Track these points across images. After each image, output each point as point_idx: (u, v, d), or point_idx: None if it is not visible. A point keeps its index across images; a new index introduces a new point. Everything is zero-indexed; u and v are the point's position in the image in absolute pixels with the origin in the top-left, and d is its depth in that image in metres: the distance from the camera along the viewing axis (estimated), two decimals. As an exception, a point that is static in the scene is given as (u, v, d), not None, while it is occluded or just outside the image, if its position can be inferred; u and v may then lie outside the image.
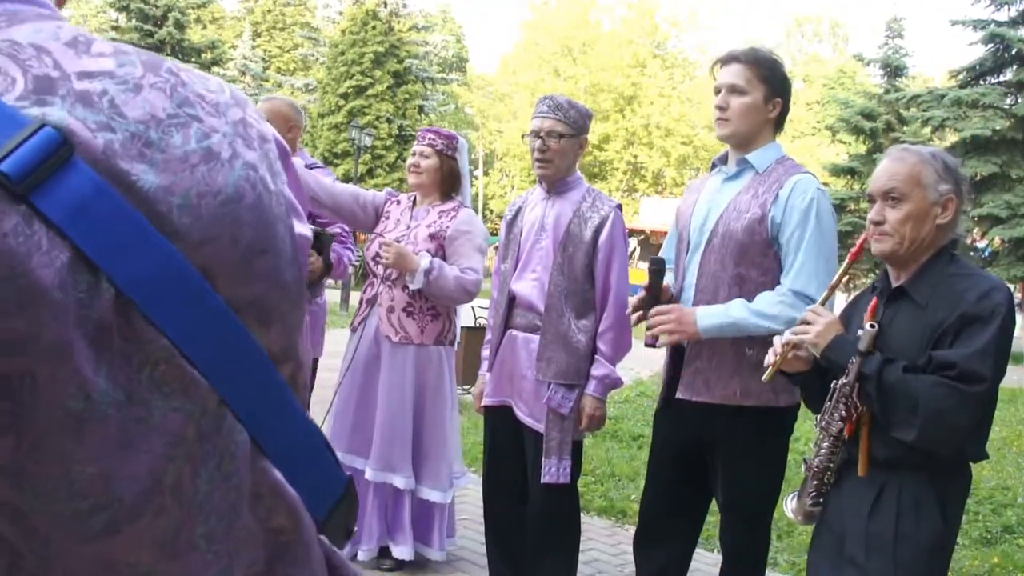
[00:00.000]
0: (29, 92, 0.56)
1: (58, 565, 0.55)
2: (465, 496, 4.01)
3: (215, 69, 30.16)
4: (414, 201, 3.34)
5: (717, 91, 2.38)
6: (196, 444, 0.58)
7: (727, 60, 2.37)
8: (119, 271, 0.55)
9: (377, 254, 3.16)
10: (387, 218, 3.30)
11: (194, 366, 0.58)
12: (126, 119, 0.58)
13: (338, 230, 3.47)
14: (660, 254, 2.51)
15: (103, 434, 0.54)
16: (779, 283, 2.28)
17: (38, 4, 0.64)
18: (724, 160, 2.48)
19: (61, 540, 0.54)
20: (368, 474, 3.16)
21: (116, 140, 0.57)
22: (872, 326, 1.80)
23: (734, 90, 2.33)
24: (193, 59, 28.59)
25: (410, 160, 3.32)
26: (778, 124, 2.40)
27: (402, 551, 3.18)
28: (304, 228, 0.67)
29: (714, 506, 2.55)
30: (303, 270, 0.66)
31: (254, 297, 0.62)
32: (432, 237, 3.17)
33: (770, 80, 2.34)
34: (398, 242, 3.13)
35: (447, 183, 3.29)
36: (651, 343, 2.41)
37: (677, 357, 2.43)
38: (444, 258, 3.16)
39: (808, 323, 1.91)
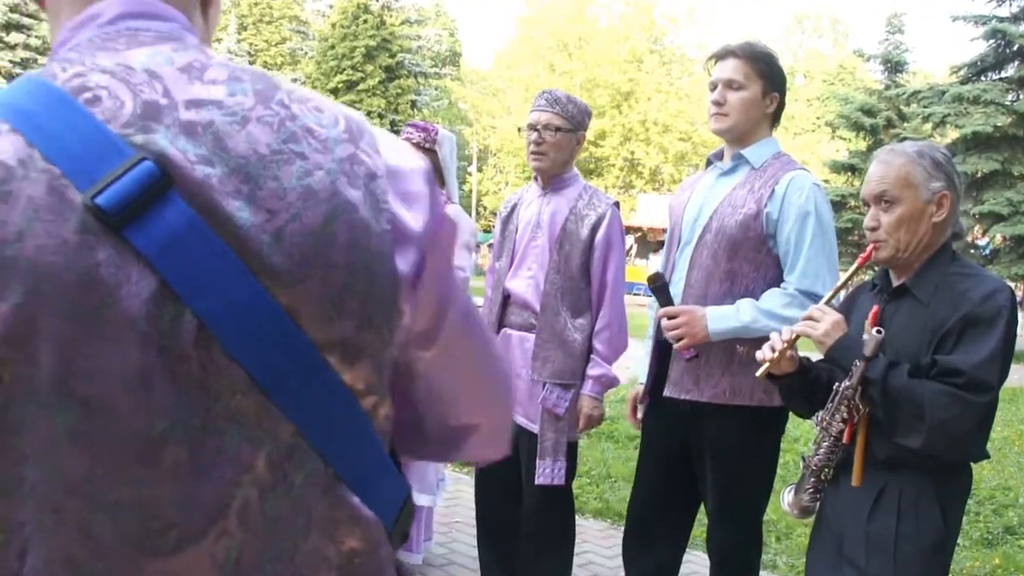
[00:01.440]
0: (136, 118, 0.61)
1: None
2: (458, 498, 3.93)
3: (204, 63, 29.77)
4: None
5: (713, 86, 2.36)
6: (267, 473, 0.62)
7: (723, 55, 2.36)
8: (203, 305, 0.59)
9: None
10: None
11: (271, 399, 0.62)
12: (228, 153, 0.62)
13: None
14: (661, 252, 2.50)
15: (176, 459, 0.59)
16: (771, 279, 2.29)
17: (164, 18, 0.68)
18: (719, 157, 2.47)
19: (127, 557, 0.60)
20: None
21: (215, 175, 0.61)
22: (878, 331, 1.76)
23: (731, 85, 2.32)
24: (181, 52, 28.19)
25: None
26: (775, 119, 2.40)
27: None
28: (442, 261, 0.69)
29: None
30: (416, 302, 0.68)
31: (343, 336, 0.64)
32: None
33: (767, 74, 2.33)
34: None
35: None
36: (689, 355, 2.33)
37: (662, 352, 2.41)
38: None
39: (814, 319, 1.88)
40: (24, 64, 29.94)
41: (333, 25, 31.02)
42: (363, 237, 0.65)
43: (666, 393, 2.35)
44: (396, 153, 0.72)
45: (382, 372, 0.69)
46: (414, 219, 0.68)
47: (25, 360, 0.58)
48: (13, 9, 29.42)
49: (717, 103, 2.35)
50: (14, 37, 29.42)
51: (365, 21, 30.02)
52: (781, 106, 2.39)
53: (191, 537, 0.61)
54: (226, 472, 0.61)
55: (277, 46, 41.24)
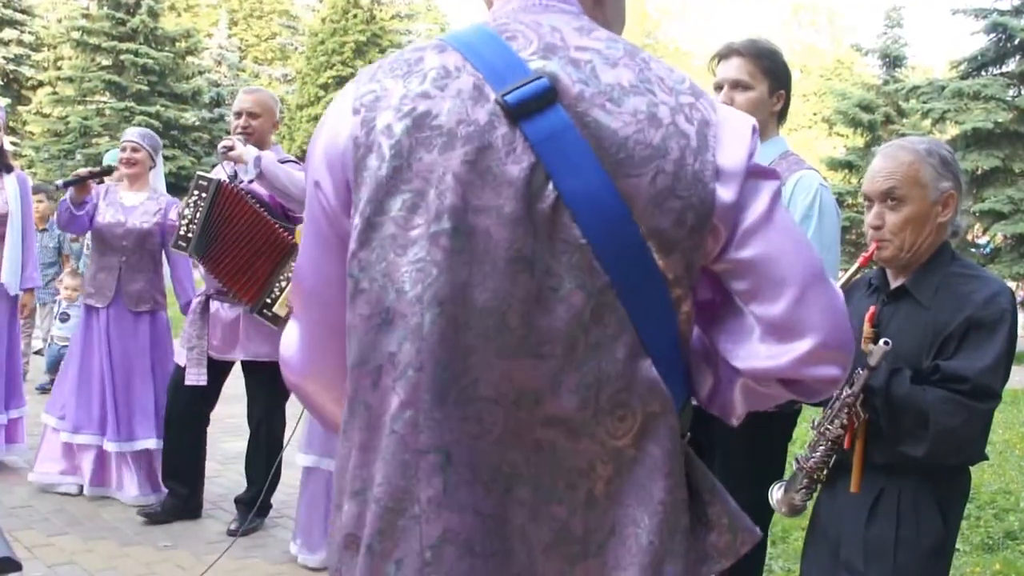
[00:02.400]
0: (538, 50, 0.90)
1: (477, 371, 0.85)
2: None
3: (189, 59, 29.33)
4: None
5: (718, 87, 2.30)
6: (589, 320, 0.86)
7: (727, 54, 2.30)
8: (565, 184, 0.85)
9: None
10: None
11: (598, 259, 0.86)
12: (599, 80, 0.89)
13: None
14: None
15: (526, 286, 0.85)
16: None
17: (569, 3, 0.97)
18: None
19: (484, 352, 0.85)
20: None
21: (587, 92, 0.88)
22: (886, 343, 1.70)
23: (737, 85, 2.27)
24: (167, 48, 27.76)
25: None
26: (781, 116, 2.35)
27: None
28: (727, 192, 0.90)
29: None
30: (729, 223, 0.90)
31: (661, 229, 0.88)
32: None
33: (773, 72, 2.29)
34: None
35: None
36: None
37: None
38: None
39: None
40: (18, 60, 29.49)
41: (323, 20, 30.66)
42: (690, 158, 0.88)
43: None
44: (727, 112, 0.95)
45: (691, 270, 0.90)
46: (734, 159, 0.91)
47: (436, 194, 0.86)
48: (6, 5, 28.97)
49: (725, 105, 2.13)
50: (8, 33, 29.00)
51: (355, 16, 29.68)
52: (787, 103, 2.34)
53: (527, 350, 0.85)
54: (559, 309, 0.86)
55: (267, 41, 40.84)
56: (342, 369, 0.94)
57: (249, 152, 3.26)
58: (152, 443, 3.87)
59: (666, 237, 0.87)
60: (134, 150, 3.98)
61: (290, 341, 1.02)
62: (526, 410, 0.86)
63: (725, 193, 0.89)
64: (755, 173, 0.92)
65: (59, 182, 3.91)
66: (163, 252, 3.97)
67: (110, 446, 3.86)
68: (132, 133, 4.10)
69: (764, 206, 0.91)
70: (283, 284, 3.36)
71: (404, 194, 0.87)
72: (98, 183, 4.03)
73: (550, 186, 0.85)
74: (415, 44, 0.98)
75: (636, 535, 0.88)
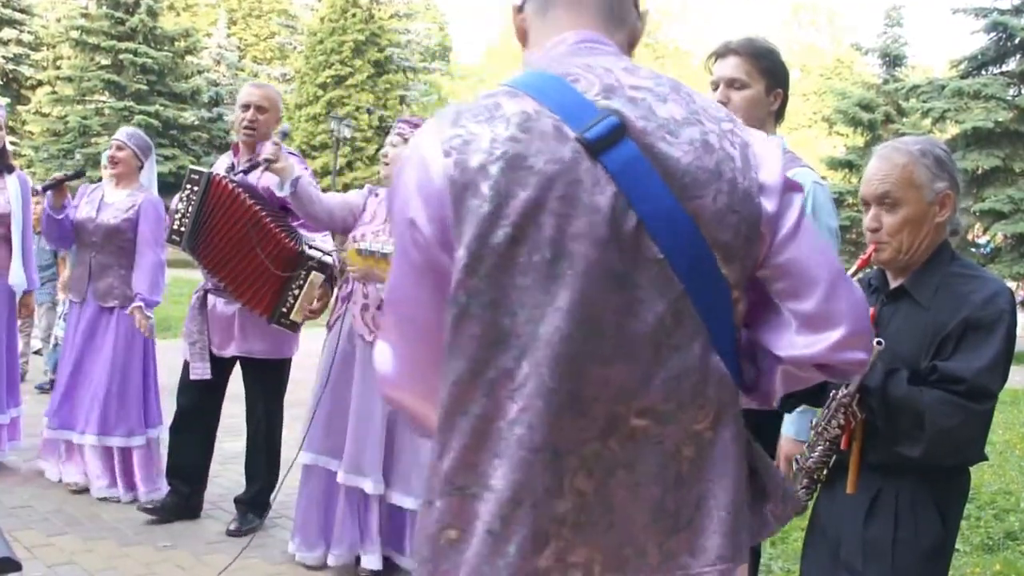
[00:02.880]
0: (600, 91, 1.04)
1: (582, 376, 1.00)
2: None
3: (188, 58, 29.33)
4: None
5: (715, 86, 2.31)
6: (670, 323, 1.01)
7: (723, 53, 2.32)
8: (643, 208, 1.00)
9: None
10: (363, 210, 3.26)
11: (675, 272, 1.01)
12: (656, 115, 1.03)
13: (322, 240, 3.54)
14: None
15: (619, 299, 1.00)
16: None
17: (605, 44, 1.14)
18: None
19: (583, 360, 0.99)
20: (340, 477, 3.10)
21: (649, 126, 1.02)
22: (879, 342, 1.70)
23: (734, 84, 2.28)
24: (166, 47, 27.76)
25: (382, 151, 3.25)
26: (779, 115, 2.37)
27: (370, 560, 3.09)
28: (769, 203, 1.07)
29: None
30: (773, 228, 1.07)
31: (724, 241, 1.03)
32: None
33: (771, 71, 2.30)
34: (375, 235, 3.09)
35: None
36: None
37: None
38: None
39: None
40: (17, 59, 29.48)
41: (322, 19, 30.63)
42: (740, 178, 1.04)
43: None
44: (758, 134, 1.12)
45: (744, 275, 1.06)
46: (772, 175, 1.07)
47: (535, 226, 0.98)
48: (6, 4, 28.96)
49: (720, 103, 2.27)
50: (7, 32, 28.99)
51: (354, 15, 29.66)
52: (785, 101, 2.34)
53: (622, 354, 1.00)
54: (647, 317, 1.01)
55: (266, 40, 40.84)
56: (430, 387, 1.07)
57: (292, 169, 3.17)
58: (91, 439, 3.84)
59: (728, 248, 1.04)
60: (118, 148, 3.98)
61: (385, 359, 1.13)
62: (623, 405, 1.01)
63: (768, 205, 1.06)
64: (788, 187, 1.09)
65: (38, 186, 3.92)
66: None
67: (46, 431, 3.96)
68: (120, 132, 4.10)
69: (796, 216, 1.08)
70: (296, 292, 3.37)
71: (505, 228, 0.99)
72: (90, 181, 4.06)
73: (631, 211, 1.00)
74: (485, 91, 1.10)
75: (716, 507, 1.05)
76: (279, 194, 3.20)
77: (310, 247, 3.41)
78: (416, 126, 3.19)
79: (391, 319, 1.13)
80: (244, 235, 3.35)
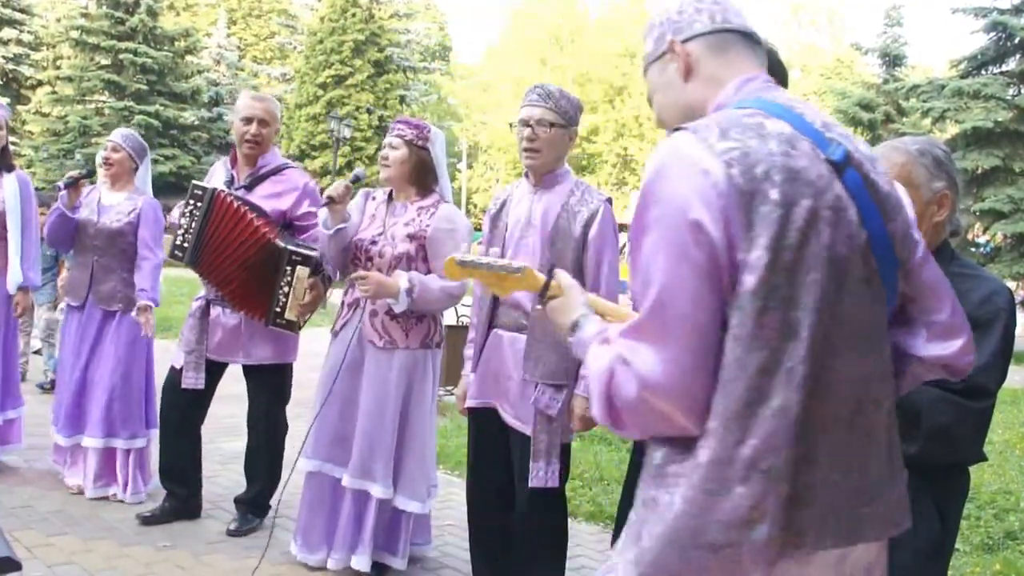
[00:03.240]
0: (821, 124, 1.24)
1: (841, 365, 1.19)
2: (450, 501, 3.85)
3: (188, 58, 29.34)
4: (390, 195, 3.22)
5: None
6: (880, 327, 1.25)
7: None
8: (868, 226, 1.21)
9: (356, 256, 3.14)
10: (362, 213, 3.23)
11: (882, 283, 1.23)
12: (860, 149, 1.25)
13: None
14: None
15: (866, 298, 1.20)
16: None
17: (767, 79, 1.35)
18: None
19: (849, 356, 1.19)
20: (345, 481, 3.08)
21: (860, 157, 1.24)
22: None
23: None
24: (166, 47, 27.78)
25: (381, 152, 3.22)
26: None
27: (360, 561, 3.08)
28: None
29: None
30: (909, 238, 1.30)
31: (904, 259, 1.27)
32: (411, 237, 3.07)
33: (770, 70, 2.03)
34: (374, 243, 3.09)
35: (417, 174, 3.15)
36: None
37: None
38: (425, 256, 3.05)
39: None
40: (17, 59, 29.50)
41: (321, 19, 30.62)
42: (906, 210, 1.29)
43: None
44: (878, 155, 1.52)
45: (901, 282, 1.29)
46: (911, 212, 1.31)
47: (815, 232, 1.15)
48: (6, 4, 28.98)
49: None
50: (7, 32, 29.01)
51: (354, 15, 29.65)
52: None
53: (870, 347, 1.22)
54: (879, 316, 1.23)
55: (266, 40, 40.86)
56: (705, 382, 1.16)
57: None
58: (98, 442, 3.84)
59: (904, 265, 1.27)
60: (113, 150, 3.97)
61: (647, 361, 1.16)
62: (863, 391, 1.20)
63: (915, 235, 1.30)
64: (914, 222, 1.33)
65: (60, 183, 3.91)
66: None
67: (59, 439, 3.94)
68: (115, 134, 4.09)
69: (923, 244, 1.31)
70: (285, 290, 3.35)
71: (794, 233, 1.13)
72: (91, 183, 4.05)
73: (863, 228, 1.20)
74: (742, 112, 1.24)
75: (901, 470, 1.29)
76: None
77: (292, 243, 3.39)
78: (417, 127, 3.16)
79: (658, 321, 1.16)
80: (246, 252, 3.36)
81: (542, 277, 1.48)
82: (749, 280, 1.12)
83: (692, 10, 1.36)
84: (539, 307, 1.48)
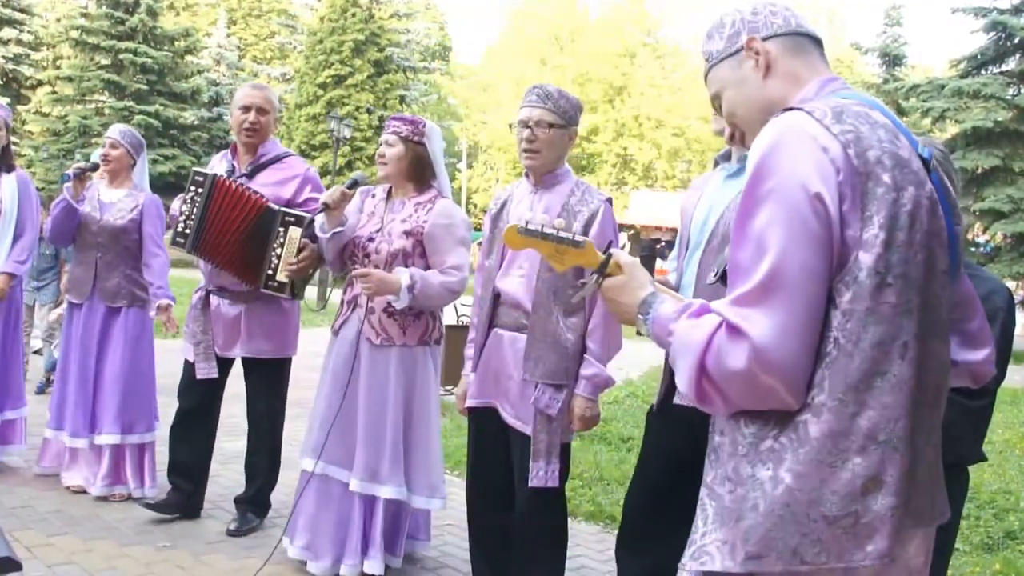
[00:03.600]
0: (895, 123, 1.31)
1: (934, 347, 1.27)
2: (450, 501, 3.82)
3: (188, 58, 29.34)
4: (389, 192, 3.22)
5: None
6: (947, 320, 1.31)
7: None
8: (947, 222, 1.28)
9: (353, 253, 3.14)
10: (361, 211, 3.23)
11: (952, 281, 1.32)
12: (936, 154, 1.35)
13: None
14: (672, 253, 2.52)
15: (947, 289, 1.29)
16: None
17: (846, 82, 1.41)
18: (727, 158, 2.44)
19: (934, 341, 1.26)
20: (354, 485, 3.06)
21: (939, 162, 1.32)
22: None
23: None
24: (165, 47, 27.77)
25: (378, 151, 3.23)
26: None
27: (373, 565, 3.07)
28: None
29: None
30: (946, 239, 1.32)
31: (957, 265, 1.33)
32: (408, 234, 3.07)
33: None
34: (371, 240, 3.09)
35: (415, 170, 3.15)
36: None
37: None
38: (423, 252, 3.05)
39: None
40: (17, 59, 29.49)
41: (321, 19, 30.64)
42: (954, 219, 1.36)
43: (676, 400, 2.31)
44: None
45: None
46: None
47: (918, 219, 1.21)
48: (6, 4, 28.97)
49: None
50: (7, 32, 29.00)
51: (354, 15, 29.66)
52: None
53: (945, 334, 1.29)
54: (945, 301, 1.28)
55: (266, 40, 40.86)
56: (809, 357, 1.19)
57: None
58: (115, 439, 3.85)
59: (956, 269, 1.32)
60: (112, 146, 3.98)
61: (764, 331, 1.17)
62: (942, 378, 1.27)
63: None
64: None
65: (68, 172, 3.90)
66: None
67: (67, 439, 3.93)
68: (112, 130, 4.09)
69: None
70: (278, 251, 3.31)
71: (904, 216, 1.19)
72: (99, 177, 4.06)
73: (943, 218, 1.26)
74: (847, 101, 1.28)
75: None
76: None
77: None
78: (412, 123, 3.16)
79: (772, 290, 1.17)
80: (247, 226, 3.35)
81: (600, 254, 1.45)
82: (866, 258, 1.17)
83: (768, 12, 1.41)
84: (591, 283, 1.45)
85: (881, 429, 1.17)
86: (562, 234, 1.49)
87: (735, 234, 1.24)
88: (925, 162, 1.26)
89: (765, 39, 1.38)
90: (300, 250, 3.30)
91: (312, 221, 3.23)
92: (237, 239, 3.37)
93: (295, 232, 3.30)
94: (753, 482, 1.21)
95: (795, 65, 1.38)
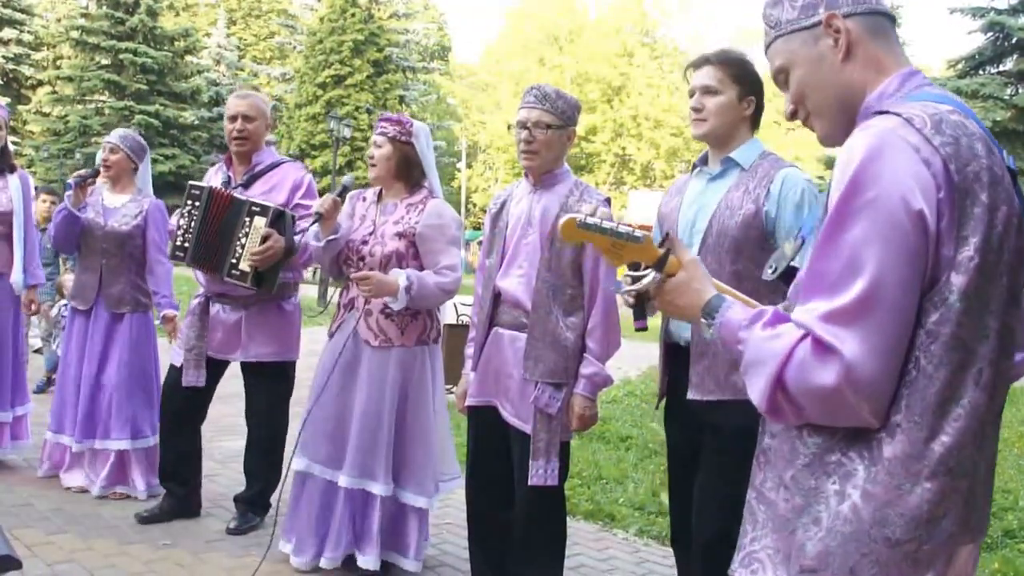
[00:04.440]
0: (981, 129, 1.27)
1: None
2: (448, 499, 3.85)
3: (188, 58, 29.36)
4: (379, 195, 3.23)
5: (691, 94, 2.44)
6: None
7: (699, 63, 2.45)
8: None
9: (348, 258, 3.15)
10: (352, 215, 3.23)
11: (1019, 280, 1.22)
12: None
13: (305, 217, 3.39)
14: None
15: (1012, 301, 1.20)
16: None
17: (926, 77, 1.29)
18: (704, 162, 2.50)
19: (995, 350, 1.18)
20: (343, 481, 3.08)
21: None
22: None
23: (707, 91, 2.39)
24: (165, 47, 27.80)
25: (367, 153, 3.23)
26: (754, 121, 2.46)
27: (368, 560, 3.07)
28: None
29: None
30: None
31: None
32: (401, 235, 3.07)
33: (741, 79, 2.40)
34: (364, 243, 3.11)
35: (404, 171, 3.15)
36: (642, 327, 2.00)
37: (673, 356, 2.46)
38: (416, 254, 3.07)
39: None
40: (17, 59, 29.50)
41: (321, 19, 30.65)
42: None
43: (690, 396, 2.35)
44: None
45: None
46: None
47: (1008, 240, 1.15)
48: (6, 4, 28.99)
49: (695, 109, 2.42)
50: (7, 32, 29.01)
51: (353, 15, 29.67)
52: (760, 108, 2.45)
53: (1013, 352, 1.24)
54: (1020, 319, 1.25)
55: (265, 40, 40.85)
56: (895, 377, 1.14)
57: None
58: (124, 444, 3.87)
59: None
60: (111, 151, 3.95)
61: (858, 353, 1.11)
62: (1004, 395, 1.24)
63: None
64: None
65: (70, 180, 3.90)
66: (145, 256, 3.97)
67: (73, 444, 3.93)
68: (112, 134, 4.07)
69: None
70: (243, 241, 3.31)
71: (996, 237, 1.14)
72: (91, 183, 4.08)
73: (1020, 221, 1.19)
74: (945, 107, 1.18)
75: None
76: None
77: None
78: (399, 123, 3.16)
79: (868, 309, 1.12)
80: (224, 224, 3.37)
81: (659, 250, 1.37)
82: (958, 280, 1.12)
83: None
84: (649, 279, 1.36)
85: (952, 456, 1.14)
86: (621, 229, 1.39)
87: (821, 242, 1.16)
88: (1013, 175, 1.19)
89: (846, 16, 1.25)
90: (264, 239, 3.29)
91: (279, 212, 3.27)
92: (224, 241, 3.38)
93: (260, 221, 3.30)
94: (817, 494, 1.17)
95: (876, 49, 1.26)
